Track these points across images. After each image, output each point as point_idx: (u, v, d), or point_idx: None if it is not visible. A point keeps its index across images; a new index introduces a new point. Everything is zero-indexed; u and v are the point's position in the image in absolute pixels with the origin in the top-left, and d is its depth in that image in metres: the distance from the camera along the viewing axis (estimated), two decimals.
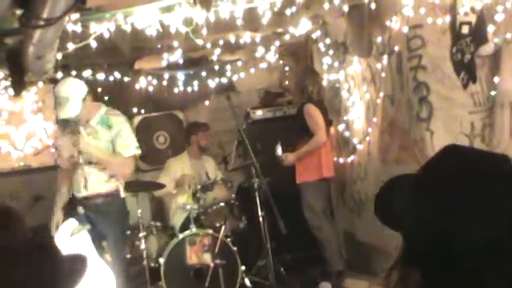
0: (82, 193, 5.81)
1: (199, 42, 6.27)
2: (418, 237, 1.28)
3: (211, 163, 8.03)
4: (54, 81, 7.09)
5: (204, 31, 5.97)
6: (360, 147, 7.21)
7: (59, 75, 6.95)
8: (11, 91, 6.81)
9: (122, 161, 5.88)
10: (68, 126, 5.81)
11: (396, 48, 6.16)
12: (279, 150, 7.14)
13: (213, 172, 7.80)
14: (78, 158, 5.71)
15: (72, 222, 5.73)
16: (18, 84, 6.11)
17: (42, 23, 4.17)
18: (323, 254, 7.08)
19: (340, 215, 7.93)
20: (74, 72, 7.30)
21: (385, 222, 1.49)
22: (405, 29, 5.93)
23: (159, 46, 7.03)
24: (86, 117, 5.85)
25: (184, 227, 7.14)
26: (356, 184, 7.48)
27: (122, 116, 6.13)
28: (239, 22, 6.02)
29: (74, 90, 5.71)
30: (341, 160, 7.64)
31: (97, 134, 5.89)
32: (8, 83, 6.62)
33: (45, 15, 4.11)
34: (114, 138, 5.93)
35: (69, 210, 5.82)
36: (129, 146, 6.01)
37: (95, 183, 5.82)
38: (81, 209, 5.72)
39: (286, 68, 9.14)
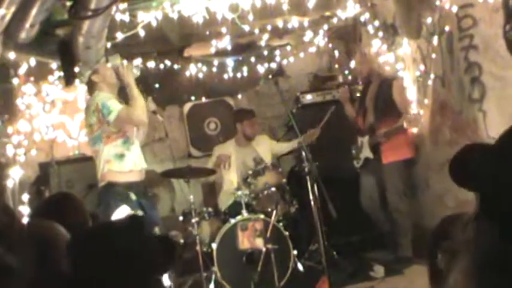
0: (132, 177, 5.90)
1: (246, 28, 6.27)
2: (502, 195, 1.46)
3: (265, 142, 7.98)
4: None
5: (251, 17, 5.97)
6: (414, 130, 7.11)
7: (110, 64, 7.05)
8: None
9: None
10: None
11: (447, 29, 6.06)
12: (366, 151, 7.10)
13: (267, 154, 7.76)
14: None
15: (125, 209, 5.81)
16: (70, 74, 6.21)
17: (90, 13, 4.25)
18: (397, 238, 6.92)
19: None
20: (124, 61, 7.38)
21: (461, 184, 1.76)
22: (455, 9, 5.83)
23: (207, 33, 7.07)
24: None
25: (231, 210, 7.18)
26: (409, 167, 7.41)
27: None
28: (285, 7, 6.00)
29: None
30: None
31: None
32: (61, 73, 6.72)
33: (92, 5, 4.18)
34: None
35: (122, 197, 5.90)
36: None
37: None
38: (133, 195, 5.80)
39: (336, 52, 9.07)
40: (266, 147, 7.84)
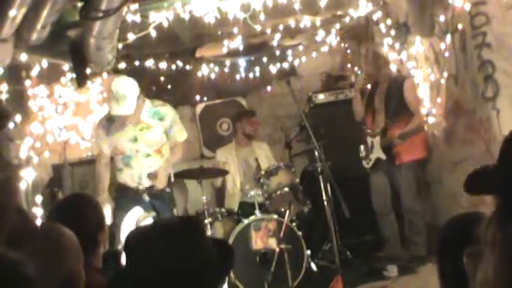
0: (145, 183, 6.00)
1: (258, 27, 6.26)
2: None
3: (264, 148, 7.99)
4: (118, 72, 7.22)
5: (262, 16, 5.96)
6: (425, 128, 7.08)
7: (122, 65, 7.06)
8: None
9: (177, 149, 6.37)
10: (112, 123, 6.09)
11: (459, 27, 6.01)
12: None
13: (264, 159, 7.75)
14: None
15: (138, 210, 5.84)
16: (82, 75, 6.23)
17: (100, 14, 4.25)
18: (413, 238, 6.87)
19: None
20: (136, 62, 7.40)
21: (479, 191, 1.80)
22: (468, 6, 5.78)
23: (219, 33, 7.07)
24: (137, 115, 6.01)
25: (244, 211, 7.17)
26: (421, 166, 7.37)
27: (168, 105, 6.40)
28: (297, 6, 5.99)
29: (131, 88, 5.87)
30: None
31: (150, 127, 6.08)
32: (73, 75, 6.74)
33: (103, 6, 4.18)
34: (169, 127, 6.24)
35: (135, 198, 5.94)
36: (183, 131, 6.45)
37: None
38: (146, 197, 5.83)
39: (348, 51, 9.05)
40: (264, 153, 7.85)
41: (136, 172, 6.12)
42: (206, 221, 6.68)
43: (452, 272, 2.20)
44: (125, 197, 6.13)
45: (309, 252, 6.72)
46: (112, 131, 6.17)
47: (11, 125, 6.03)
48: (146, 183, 6.02)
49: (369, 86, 7.29)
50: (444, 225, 2.50)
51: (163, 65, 7.62)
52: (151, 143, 6.15)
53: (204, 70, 8.06)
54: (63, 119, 7.94)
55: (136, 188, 6.00)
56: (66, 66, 6.67)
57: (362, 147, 7.17)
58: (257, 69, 8.44)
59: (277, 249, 6.49)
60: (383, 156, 6.91)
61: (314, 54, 8.36)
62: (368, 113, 7.19)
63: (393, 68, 7.29)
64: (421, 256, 6.70)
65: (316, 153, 6.39)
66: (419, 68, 7.20)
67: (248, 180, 7.53)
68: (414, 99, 6.91)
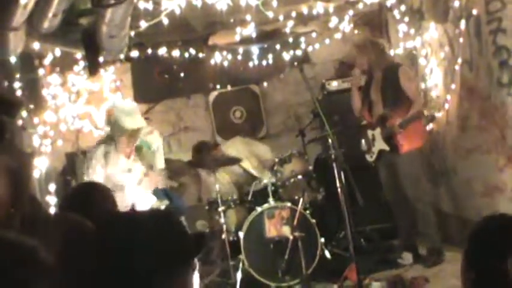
0: None
1: (270, 14, 6.23)
2: None
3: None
4: (131, 60, 7.21)
5: (275, 3, 5.93)
6: (438, 115, 7.03)
7: (135, 53, 7.05)
8: None
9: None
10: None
11: (474, 12, 5.95)
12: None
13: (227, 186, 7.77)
14: None
15: (150, 197, 5.84)
16: (94, 64, 6.22)
17: (112, 1, 4.23)
18: (425, 230, 6.70)
19: None
20: (149, 50, 7.39)
21: None
22: None
23: (231, 21, 7.04)
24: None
25: (257, 199, 7.12)
26: (434, 154, 7.33)
27: (155, 132, 6.44)
28: None
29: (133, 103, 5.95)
30: None
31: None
32: (86, 63, 6.74)
33: None
34: (154, 153, 6.25)
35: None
36: (163, 160, 6.44)
37: None
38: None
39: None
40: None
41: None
42: (220, 209, 6.68)
43: (491, 279, 2.15)
44: None
45: (322, 240, 6.70)
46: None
47: (23, 114, 6.04)
48: None
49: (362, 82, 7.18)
50: (480, 224, 2.40)
51: (176, 53, 7.61)
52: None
53: (217, 58, 8.04)
54: (76, 107, 7.95)
55: None
56: (79, 54, 6.66)
57: (363, 141, 7.05)
58: (270, 56, 8.42)
59: (291, 237, 6.49)
60: (386, 148, 6.77)
61: (327, 41, 8.31)
62: (364, 106, 7.05)
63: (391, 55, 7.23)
64: (435, 248, 6.62)
65: (329, 140, 6.37)
66: (434, 53, 7.15)
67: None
68: (411, 85, 6.74)
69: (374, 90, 6.95)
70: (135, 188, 5.97)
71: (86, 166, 5.88)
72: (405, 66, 7.01)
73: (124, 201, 5.99)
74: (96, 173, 5.92)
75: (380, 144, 6.84)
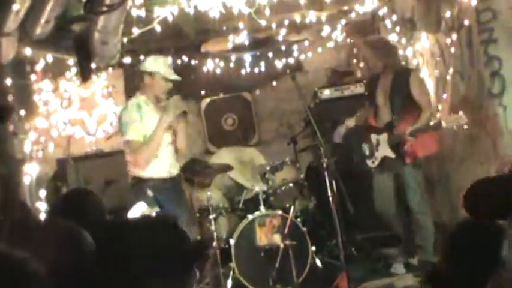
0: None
1: (263, 22, 6.24)
2: None
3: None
4: (122, 67, 7.21)
5: (267, 11, 5.94)
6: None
7: (127, 60, 7.05)
8: None
9: None
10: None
11: (466, 22, 5.98)
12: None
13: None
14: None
15: (141, 205, 5.81)
16: (86, 70, 6.22)
17: (105, 8, 4.23)
18: (420, 242, 6.61)
19: None
20: (142, 57, 7.38)
21: None
22: (474, 2, 5.74)
23: (224, 28, 7.06)
24: None
25: (248, 206, 7.12)
26: (429, 163, 7.33)
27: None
28: (302, 1, 5.98)
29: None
30: None
31: None
32: (78, 69, 6.73)
33: (108, 0, 4.16)
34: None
35: (138, 193, 5.91)
36: None
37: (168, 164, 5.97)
38: (149, 192, 5.80)
39: (354, 50, 9.02)
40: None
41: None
42: (210, 217, 6.67)
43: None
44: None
45: (313, 248, 6.69)
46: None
47: (14, 119, 6.02)
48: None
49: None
50: (458, 230, 2.38)
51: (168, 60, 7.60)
52: None
53: (209, 65, 8.06)
54: (68, 113, 7.94)
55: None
56: (71, 60, 6.66)
57: (365, 145, 6.80)
58: (262, 64, 8.45)
59: (282, 245, 6.47)
60: (391, 155, 6.54)
61: (320, 49, 8.33)
62: (369, 109, 6.92)
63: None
64: (428, 262, 6.46)
65: (321, 149, 6.36)
66: (425, 63, 7.17)
67: None
68: (422, 92, 6.50)
69: (381, 95, 6.72)
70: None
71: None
72: (417, 71, 6.93)
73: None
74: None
75: (385, 151, 6.60)
